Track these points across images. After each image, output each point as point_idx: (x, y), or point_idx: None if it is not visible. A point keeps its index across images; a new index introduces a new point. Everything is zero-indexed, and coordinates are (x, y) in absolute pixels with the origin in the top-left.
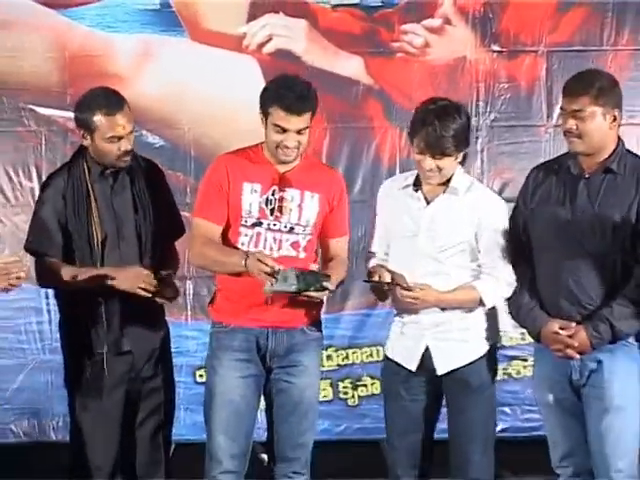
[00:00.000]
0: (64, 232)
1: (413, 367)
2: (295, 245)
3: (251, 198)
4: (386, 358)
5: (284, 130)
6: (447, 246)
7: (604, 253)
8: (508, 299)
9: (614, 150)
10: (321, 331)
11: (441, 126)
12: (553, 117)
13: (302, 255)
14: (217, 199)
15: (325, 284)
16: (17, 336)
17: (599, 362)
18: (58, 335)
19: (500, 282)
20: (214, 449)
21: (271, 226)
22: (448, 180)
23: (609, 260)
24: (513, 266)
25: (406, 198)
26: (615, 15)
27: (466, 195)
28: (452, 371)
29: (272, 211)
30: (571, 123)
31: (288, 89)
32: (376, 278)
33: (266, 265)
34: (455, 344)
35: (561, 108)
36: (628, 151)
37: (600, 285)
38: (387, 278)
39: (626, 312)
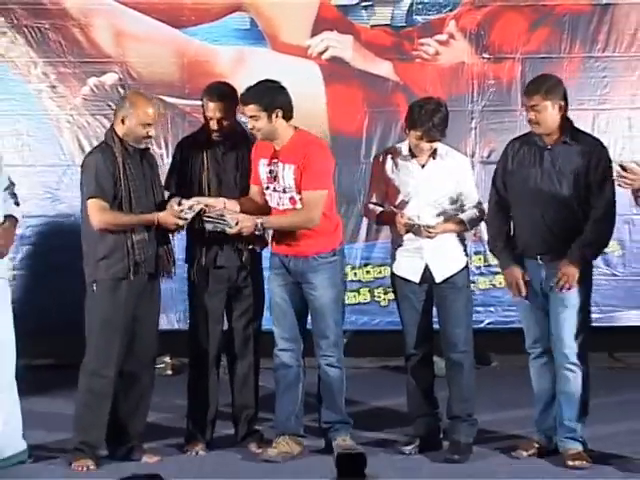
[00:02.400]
0: (181, 179)
1: (417, 279)
2: (292, 201)
3: (263, 169)
4: (394, 275)
5: None
6: (439, 196)
7: (564, 201)
8: (489, 241)
9: (566, 129)
10: (335, 255)
11: (434, 123)
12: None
13: (299, 206)
14: (254, 171)
15: (227, 229)
16: None
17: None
18: (180, 255)
19: (475, 211)
20: (275, 336)
21: (275, 188)
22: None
23: (568, 206)
24: (494, 216)
25: (406, 164)
26: (569, 32)
27: (446, 159)
28: (445, 279)
29: (274, 178)
30: (531, 114)
31: (248, 87)
32: (406, 221)
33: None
34: (446, 260)
35: (523, 105)
36: (575, 128)
37: (562, 224)
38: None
39: (589, 240)
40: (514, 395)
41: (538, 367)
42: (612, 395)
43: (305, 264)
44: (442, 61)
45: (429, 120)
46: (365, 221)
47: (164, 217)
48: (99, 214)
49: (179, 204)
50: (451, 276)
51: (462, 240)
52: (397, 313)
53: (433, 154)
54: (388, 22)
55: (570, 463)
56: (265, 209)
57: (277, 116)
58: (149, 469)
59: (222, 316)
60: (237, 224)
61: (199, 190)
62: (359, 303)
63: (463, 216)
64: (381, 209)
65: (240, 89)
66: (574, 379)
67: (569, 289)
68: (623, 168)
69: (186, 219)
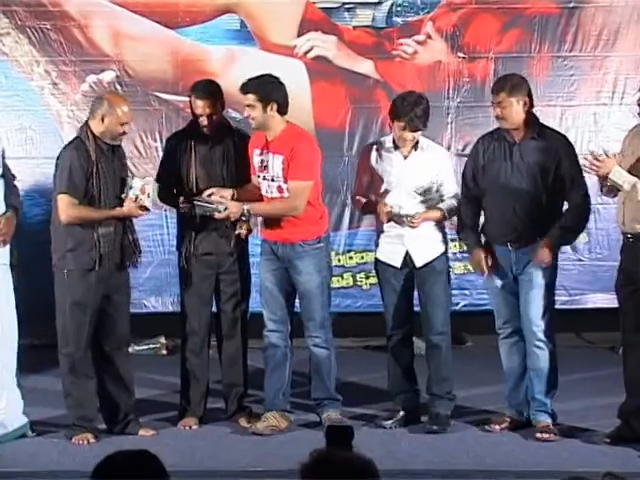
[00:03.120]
0: (171, 171)
1: (398, 264)
2: (279, 189)
3: (255, 159)
4: (377, 260)
5: None
6: (420, 186)
7: (533, 193)
8: (458, 228)
9: (533, 125)
10: (320, 242)
11: (416, 113)
12: None
13: (286, 195)
14: (250, 162)
15: (216, 214)
16: (147, 243)
17: (527, 259)
18: (174, 242)
19: (454, 201)
20: (264, 318)
21: (265, 177)
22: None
23: (537, 197)
24: (464, 207)
25: (389, 155)
26: (539, 33)
27: (428, 151)
28: (425, 264)
29: (264, 167)
30: (497, 111)
31: (249, 78)
32: (388, 210)
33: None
34: (426, 246)
35: (491, 102)
36: (542, 125)
37: (531, 213)
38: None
39: (568, 223)
40: (487, 373)
41: (508, 346)
42: (579, 372)
43: (292, 250)
44: (420, 60)
45: (411, 110)
46: (348, 210)
47: (128, 210)
48: (68, 209)
49: (130, 187)
50: (430, 261)
51: (442, 227)
52: (378, 296)
53: (415, 146)
54: (369, 23)
55: (539, 435)
56: (259, 197)
57: (272, 108)
58: (144, 443)
59: (211, 299)
60: (226, 209)
61: (187, 183)
62: (342, 287)
63: (442, 205)
64: (366, 199)
65: (231, 86)
66: (543, 356)
67: (546, 264)
68: (593, 156)
69: (147, 207)
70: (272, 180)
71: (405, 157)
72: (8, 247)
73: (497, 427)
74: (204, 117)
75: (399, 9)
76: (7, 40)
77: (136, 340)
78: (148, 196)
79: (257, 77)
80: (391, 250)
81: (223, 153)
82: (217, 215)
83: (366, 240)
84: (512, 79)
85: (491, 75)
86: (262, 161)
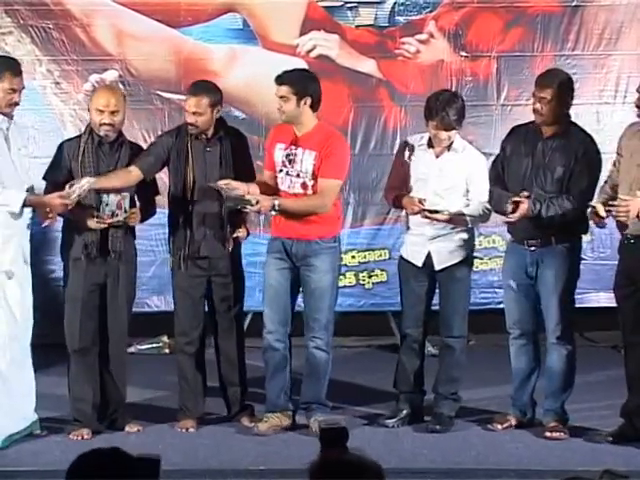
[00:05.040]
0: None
1: (419, 264)
2: (304, 185)
3: (279, 153)
4: (401, 258)
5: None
6: (448, 186)
7: (550, 191)
8: (495, 204)
9: (563, 123)
10: (335, 242)
11: (450, 112)
12: (500, 99)
13: (309, 192)
14: (268, 156)
15: (248, 207)
16: (150, 242)
17: (543, 260)
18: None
19: (480, 208)
20: (264, 317)
21: (288, 172)
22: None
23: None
24: (494, 185)
25: (422, 152)
26: (542, 32)
27: (462, 153)
28: (445, 267)
29: (289, 162)
30: (537, 105)
31: (285, 70)
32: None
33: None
34: (447, 250)
35: (533, 94)
36: (572, 123)
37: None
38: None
39: (555, 210)
40: (490, 372)
41: (517, 348)
42: (581, 371)
43: (307, 247)
44: (423, 59)
45: (443, 109)
46: (350, 208)
47: (49, 198)
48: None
49: (70, 186)
50: (450, 266)
51: (467, 232)
52: (380, 295)
53: (449, 147)
54: (372, 22)
55: (548, 434)
56: (269, 193)
57: (305, 103)
58: (147, 442)
59: (203, 300)
60: (257, 203)
61: (184, 184)
62: (345, 286)
63: (465, 210)
64: (397, 193)
65: (232, 84)
66: (561, 355)
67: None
68: (619, 199)
69: (74, 196)
70: (297, 176)
71: (437, 156)
72: (28, 246)
73: (499, 426)
74: (189, 114)
75: (401, 8)
76: (9, 39)
77: (139, 339)
78: (125, 211)
79: (294, 69)
80: (414, 249)
81: (220, 155)
82: (249, 208)
83: (368, 239)
84: (561, 76)
85: (493, 74)
86: (288, 155)
